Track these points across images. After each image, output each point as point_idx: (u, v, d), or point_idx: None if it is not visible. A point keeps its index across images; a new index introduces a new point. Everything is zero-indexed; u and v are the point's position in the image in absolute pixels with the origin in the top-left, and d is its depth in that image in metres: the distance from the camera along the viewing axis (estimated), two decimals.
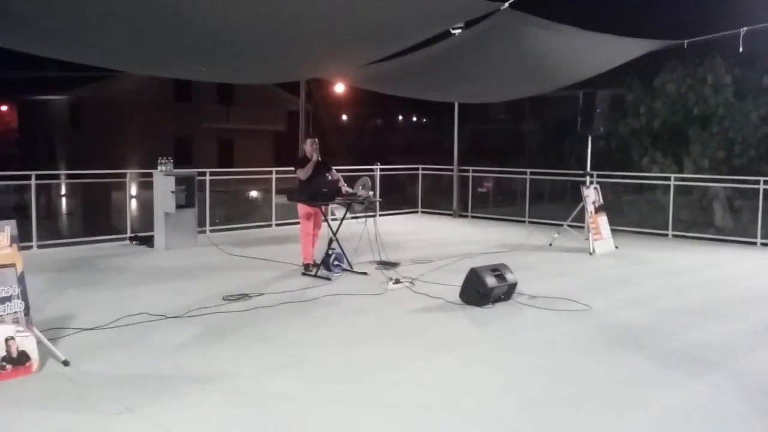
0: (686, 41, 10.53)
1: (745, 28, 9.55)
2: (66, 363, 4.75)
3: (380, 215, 12.64)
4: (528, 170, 14.25)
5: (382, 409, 4.18)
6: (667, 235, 12.00)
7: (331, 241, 8.18)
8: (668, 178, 12.80)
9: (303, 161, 8.31)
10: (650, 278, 8.42)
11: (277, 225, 12.32)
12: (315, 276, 7.94)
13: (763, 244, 11.10)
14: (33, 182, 9.64)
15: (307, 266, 8.25)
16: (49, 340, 4.94)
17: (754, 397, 4.49)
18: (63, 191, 23.48)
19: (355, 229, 8.65)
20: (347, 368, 4.89)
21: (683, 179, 14.24)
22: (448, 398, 4.36)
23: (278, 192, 12.10)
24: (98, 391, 4.31)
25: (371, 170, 13.02)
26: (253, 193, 22.27)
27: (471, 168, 15.06)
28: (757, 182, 11.33)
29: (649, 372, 4.90)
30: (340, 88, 23.33)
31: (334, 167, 8.60)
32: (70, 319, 5.92)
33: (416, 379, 4.71)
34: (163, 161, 9.90)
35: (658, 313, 6.61)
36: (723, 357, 5.29)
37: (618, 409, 4.24)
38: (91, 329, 5.64)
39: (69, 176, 22.09)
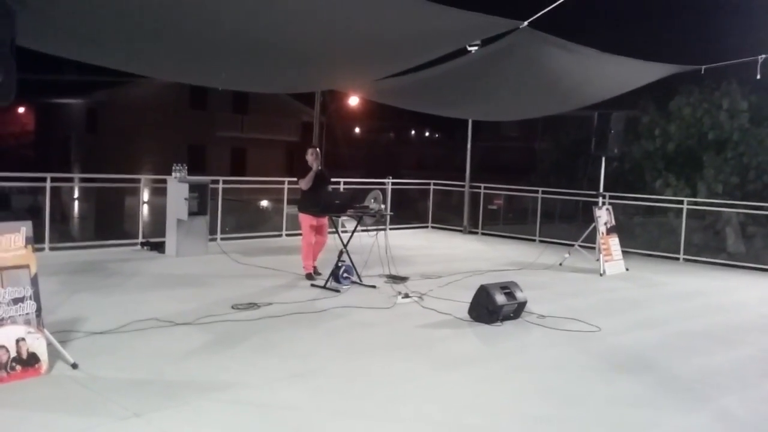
0: (704, 67, 10.53)
1: (764, 56, 9.57)
2: (75, 366, 4.77)
3: (391, 229, 12.64)
4: (540, 189, 14.21)
5: (388, 424, 4.17)
6: (678, 258, 11.94)
7: (341, 253, 8.19)
8: (681, 202, 12.75)
9: (305, 171, 8.40)
10: (660, 302, 8.37)
11: (287, 235, 12.35)
12: (324, 287, 7.95)
13: None
14: (48, 184, 9.72)
15: (309, 275, 8.36)
16: (59, 342, 4.96)
17: (763, 425, 4.44)
18: (76, 194, 23.62)
19: (366, 242, 8.66)
20: (354, 381, 4.89)
21: (696, 203, 14.16)
22: (454, 415, 4.34)
23: (289, 202, 12.14)
24: (106, 395, 4.33)
25: (383, 184, 13.06)
26: (265, 203, 22.34)
27: (482, 185, 15.02)
28: None
29: (656, 396, 4.86)
30: (354, 100, 23.52)
31: (344, 179, 8.65)
32: (79, 322, 5.95)
33: (423, 394, 4.69)
34: (178, 168, 9.95)
35: (668, 336, 6.57)
36: (732, 383, 5.25)
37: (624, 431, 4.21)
38: (100, 333, 5.66)
39: (83, 179, 22.22)
